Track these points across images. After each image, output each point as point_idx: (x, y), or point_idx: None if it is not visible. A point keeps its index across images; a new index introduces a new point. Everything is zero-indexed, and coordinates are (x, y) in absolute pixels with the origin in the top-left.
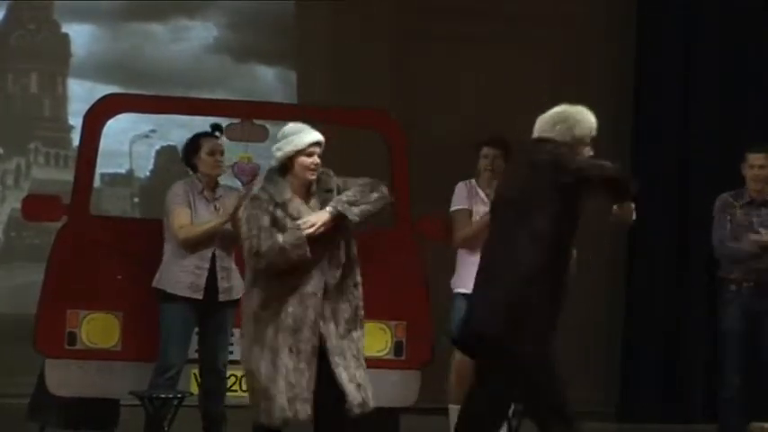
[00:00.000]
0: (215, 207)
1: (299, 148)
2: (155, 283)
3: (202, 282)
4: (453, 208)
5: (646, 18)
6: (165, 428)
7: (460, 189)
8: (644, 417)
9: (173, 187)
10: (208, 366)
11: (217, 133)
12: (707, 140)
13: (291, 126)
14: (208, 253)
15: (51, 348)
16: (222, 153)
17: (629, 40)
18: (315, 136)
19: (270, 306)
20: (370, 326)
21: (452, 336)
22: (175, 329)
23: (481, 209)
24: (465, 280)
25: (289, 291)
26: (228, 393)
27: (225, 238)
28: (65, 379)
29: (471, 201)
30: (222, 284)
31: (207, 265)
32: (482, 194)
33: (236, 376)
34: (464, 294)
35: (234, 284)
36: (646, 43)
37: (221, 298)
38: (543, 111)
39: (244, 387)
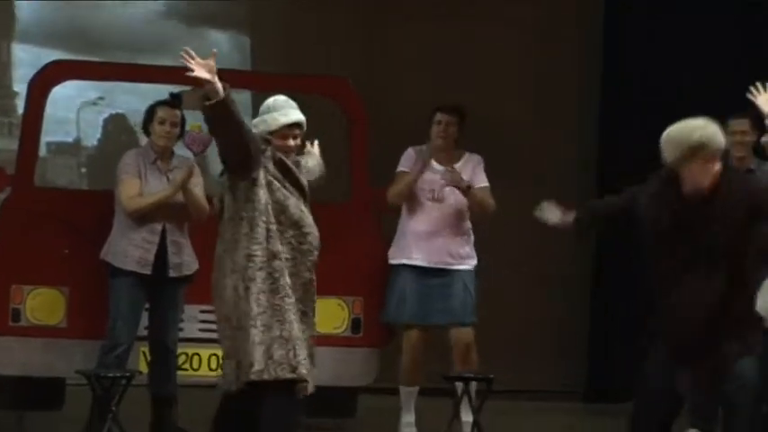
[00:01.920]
0: (168, 178)
1: (272, 129)
2: (102, 256)
3: (151, 256)
4: (397, 170)
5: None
6: (113, 409)
7: (409, 154)
8: (613, 397)
9: (124, 156)
10: (157, 345)
11: (177, 102)
12: (679, 111)
13: (273, 101)
14: (158, 226)
15: None
16: (175, 124)
17: (597, 16)
18: (291, 117)
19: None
20: (327, 302)
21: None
22: (123, 306)
23: (429, 176)
24: (405, 250)
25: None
26: (179, 372)
27: (176, 211)
28: (8, 357)
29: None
30: (173, 260)
31: (157, 240)
32: (434, 163)
33: (186, 354)
34: (406, 266)
35: (185, 260)
36: (613, 19)
37: (172, 274)
38: (511, 86)
39: (194, 366)
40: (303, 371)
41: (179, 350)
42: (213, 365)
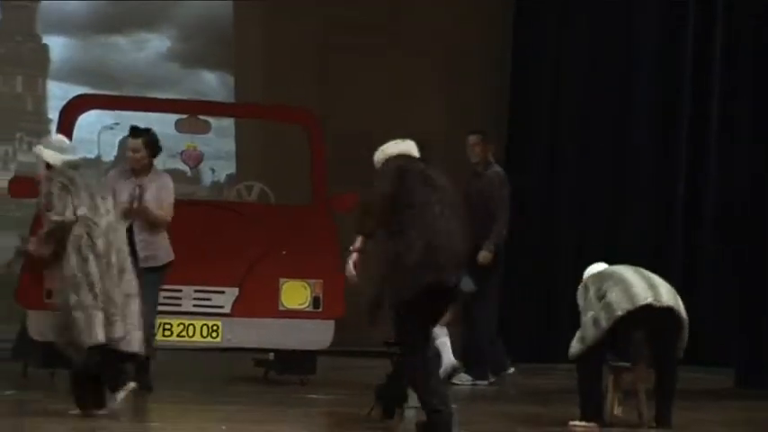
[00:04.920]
0: (139, 187)
1: None
2: None
3: None
4: None
5: (520, 32)
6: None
7: None
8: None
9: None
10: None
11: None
12: (570, 145)
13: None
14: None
15: (32, 302)
16: (137, 150)
17: (504, 53)
18: None
19: None
20: (294, 284)
21: None
22: None
23: None
24: None
25: None
26: (177, 338)
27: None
28: (43, 326)
29: None
30: (141, 253)
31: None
32: None
33: (183, 325)
34: None
35: (151, 254)
36: (519, 53)
37: (141, 264)
38: (431, 108)
39: (190, 333)
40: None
41: (177, 321)
42: (204, 333)
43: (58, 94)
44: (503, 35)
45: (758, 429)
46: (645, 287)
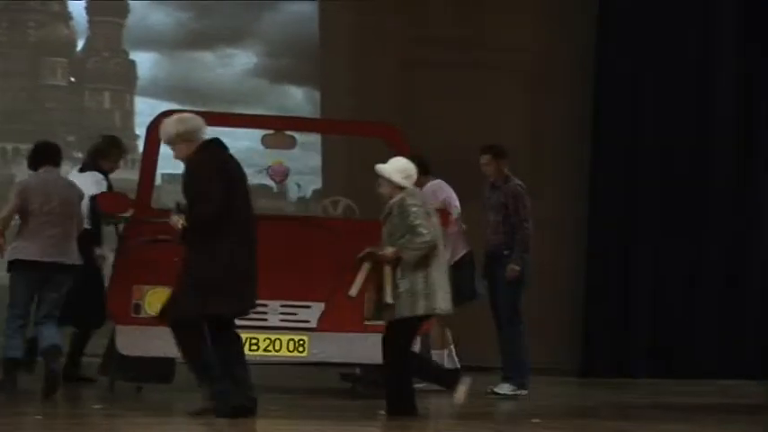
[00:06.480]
0: None
1: None
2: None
3: None
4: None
5: (603, 48)
6: None
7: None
8: (604, 373)
9: None
10: None
11: None
12: (652, 154)
13: None
14: None
15: (120, 316)
16: None
17: (588, 69)
18: None
19: None
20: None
21: None
22: None
23: None
24: None
25: None
26: (264, 353)
27: None
28: (131, 341)
29: None
30: None
31: None
32: None
33: (270, 339)
34: None
35: None
36: (603, 72)
37: None
38: (512, 126)
39: (276, 348)
40: None
41: (263, 335)
42: (291, 348)
43: (144, 109)
44: (586, 49)
45: None
46: (445, 297)
